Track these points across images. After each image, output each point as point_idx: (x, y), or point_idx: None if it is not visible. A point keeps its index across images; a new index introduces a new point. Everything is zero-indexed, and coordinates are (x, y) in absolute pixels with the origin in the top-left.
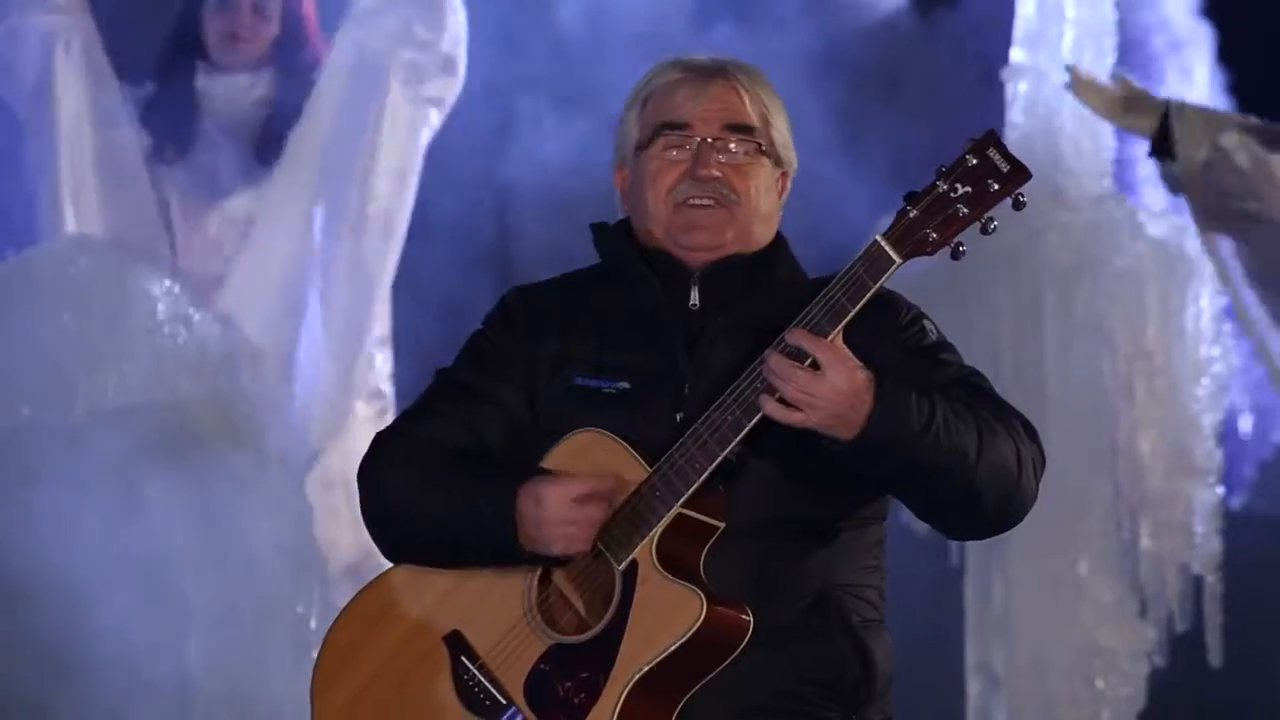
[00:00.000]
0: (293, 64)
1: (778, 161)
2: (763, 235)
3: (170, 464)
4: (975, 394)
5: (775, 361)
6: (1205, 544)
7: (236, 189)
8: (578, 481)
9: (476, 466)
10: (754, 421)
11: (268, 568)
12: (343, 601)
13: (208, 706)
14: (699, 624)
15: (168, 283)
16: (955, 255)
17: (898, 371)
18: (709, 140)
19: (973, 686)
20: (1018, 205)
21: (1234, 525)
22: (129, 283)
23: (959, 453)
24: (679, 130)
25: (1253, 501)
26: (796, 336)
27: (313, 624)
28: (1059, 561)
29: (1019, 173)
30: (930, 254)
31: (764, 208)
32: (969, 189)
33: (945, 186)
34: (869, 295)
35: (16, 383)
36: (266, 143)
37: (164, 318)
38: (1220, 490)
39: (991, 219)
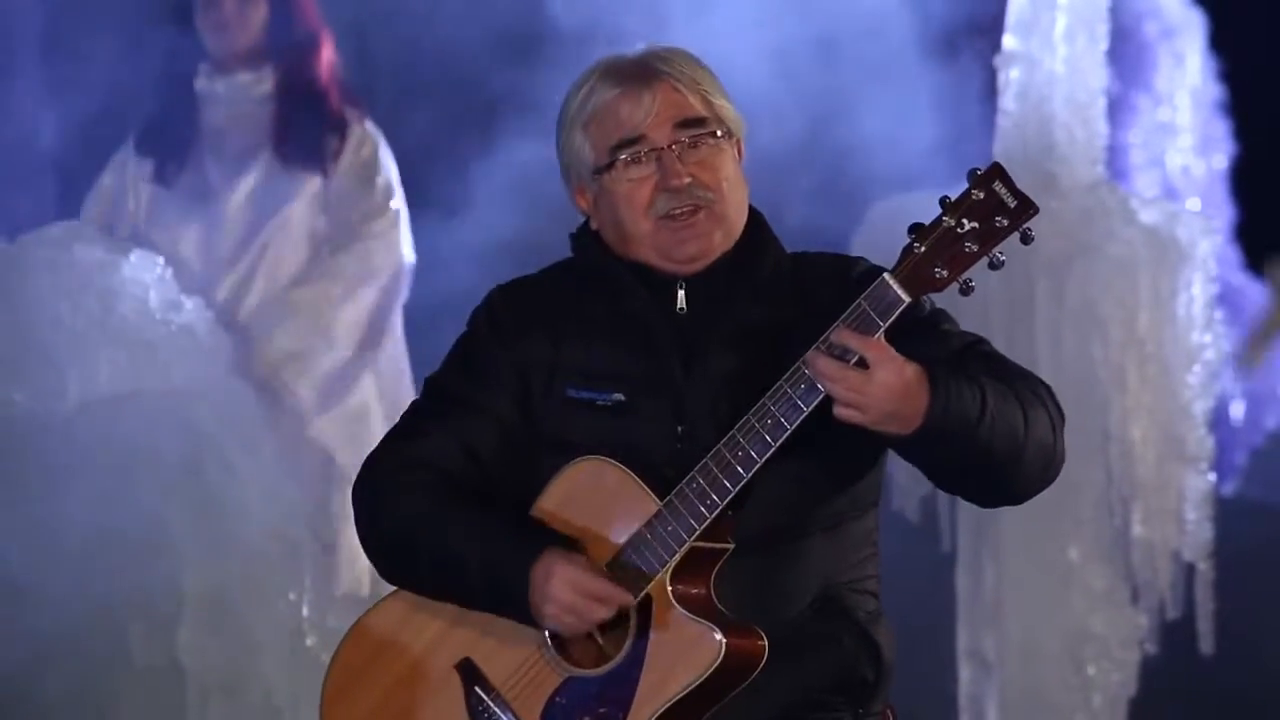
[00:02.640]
0: (289, 47)
1: (730, 134)
2: (739, 217)
3: (162, 451)
4: (990, 362)
5: (824, 363)
6: (1197, 531)
7: (241, 187)
8: (598, 581)
9: (493, 516)
10: (766, 457)
11: (260, 554)
12: (334, 590)
13: (200, 693)
14: (719, 661)
15: (160, 270)
16: (964, 291)
17: (902, 345)
18: (669, 147)
19: (964, 672)
20: (1026, 240)
21: (1226, 512)
22: (122, 270)
23: (1011, 434)
24: (634, 145)
25: (1244, 488)
26: (843, 336)
27: (304, 611)
28: (1050, 548)
29: (1026, 207)
30: (939, 290)
31: (738, 194)
32: (976, 224)
33: (952, 222)
34: (878, 335)
35: (9, 370)
36: (282, 141)
37: (156, 305)
38: (1212, 477)
39: (1000, 253)
